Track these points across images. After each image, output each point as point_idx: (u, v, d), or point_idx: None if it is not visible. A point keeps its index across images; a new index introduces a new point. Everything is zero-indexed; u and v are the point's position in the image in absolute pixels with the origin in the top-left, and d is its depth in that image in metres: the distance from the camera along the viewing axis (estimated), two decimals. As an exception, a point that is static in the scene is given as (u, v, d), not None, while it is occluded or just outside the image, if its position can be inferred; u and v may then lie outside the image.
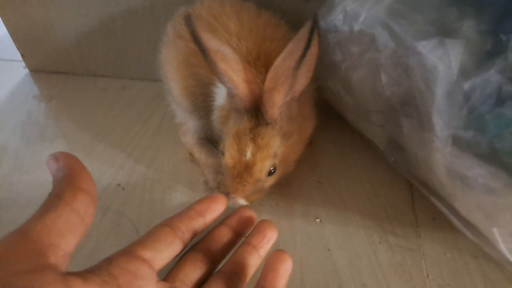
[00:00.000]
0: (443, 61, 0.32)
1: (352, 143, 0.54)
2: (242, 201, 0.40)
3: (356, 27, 0.40)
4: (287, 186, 0.49)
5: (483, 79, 0.30)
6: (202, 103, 0.46)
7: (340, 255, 0.42)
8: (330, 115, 0.53)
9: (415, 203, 0.47)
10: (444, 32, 0.34)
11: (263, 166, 0.38)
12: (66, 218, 0.24)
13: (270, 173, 0.39)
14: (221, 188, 0.47)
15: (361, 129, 0.48)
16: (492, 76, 0.30)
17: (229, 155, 0.38)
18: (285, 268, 0.32)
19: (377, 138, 0.45)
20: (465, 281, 0.40)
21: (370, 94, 0.41)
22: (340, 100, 0.47)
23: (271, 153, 0.38)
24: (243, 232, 0.38)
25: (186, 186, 0.48)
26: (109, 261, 0.27)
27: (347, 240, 0.43)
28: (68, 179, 0.25)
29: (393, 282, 0.40)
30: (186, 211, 0.35)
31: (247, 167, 0.38)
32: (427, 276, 0.41)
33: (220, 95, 0.44)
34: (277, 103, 0.36)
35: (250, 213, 0.39)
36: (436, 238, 0.44)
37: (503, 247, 0.33)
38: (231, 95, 0.38)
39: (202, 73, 0.44)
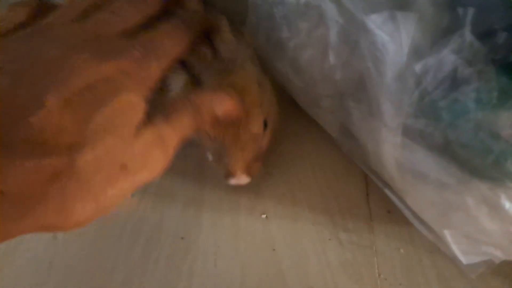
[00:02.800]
0: (393, 38, 0.27)
1: (305, 129, 0.50)
2: (244, 178, 0.36)
3: (302, 0, 0.35)
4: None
5: (436, 60, 0.26)
6: None
7: (287, 255, 0.38)
8: (281, 99, 0.48)
9: (370, 195, 0.43)
10: (398, 4, 0.29)
11: (256, 112, 0.34)
12: None
13: (265, 125, 0.36)
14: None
15: (313, 115, 0.44)
16: (447, 56, 0.25)
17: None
18: None
19: (329, 125, 0.41)
20: (419, 279, 0.37)
21: (319, 76, 0.37)
22: (289, 82, 0.42)
23: (256, 97, 0.35)
24: None
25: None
26: None
27: (295, 238, 0.40)
28: None
29: (341, 283, 0.37)
30: None
31: (239, 123, 0.33)
32: (379, 275, 0.37)
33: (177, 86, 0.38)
34: None
35: None
36: (390, 233, 0.40)
37: (455, 249, 0.30)
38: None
39: None
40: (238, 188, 0.43)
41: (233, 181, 0.37)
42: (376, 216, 0.42)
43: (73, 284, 0.36)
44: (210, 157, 0.40)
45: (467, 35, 0.25)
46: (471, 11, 0.26)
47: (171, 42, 0.27)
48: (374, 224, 0.41)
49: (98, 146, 0.21)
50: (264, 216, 0.41)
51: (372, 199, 0.43)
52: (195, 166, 0.45)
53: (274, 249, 0.39)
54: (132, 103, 0.23)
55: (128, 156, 0.22)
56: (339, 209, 0.42)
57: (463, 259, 0.30)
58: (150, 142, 0.24)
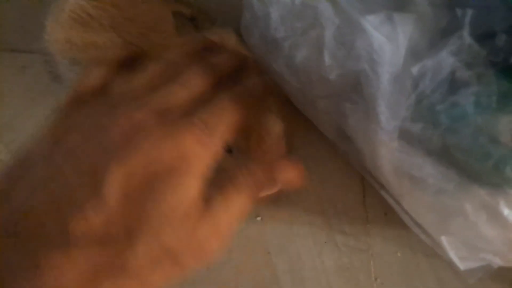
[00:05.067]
0: (390, 40, 0.27)
1: (301, 129, 0.49)
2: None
3: (298, -2, 0.34)
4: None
5: (434, 62, 0.25)
6: None
7: (281, 258, 0.38)
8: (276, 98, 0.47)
9: (366, 197, 0.43)
10: (395, 4, 0.28)
11: (274, 113, 0.36)
12: None
13: None
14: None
15: (309, 116, 0.43)
16: (445, 58, 0.25)
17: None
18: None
19: (325, 126, 0.41)
20: (416, 284, 0.37)
21: (315, 76, 0.36)
22: (284, 83, 0.41)
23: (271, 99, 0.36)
24: None
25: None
26: None
27: (290, 241, 0.39)
28: None
29: (337, 288, 0.36)
30: None
31: (261, 127, 0.35)
32: (375, 279, 0.37)
33: None
34: None
35: None
36: (388, 236, 0.40)
37: (452, 255, 0.29)
38: None
39: None
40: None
41: (268, 192, 0.35)
42: (373, 218, 0.41)
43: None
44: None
45: (466, 37, 0.24)
46: (469, 12, 0.25)
47: (233, 114, 0.26)
48: (371, 226, 0.40)
49: (152, 243, 0.20)
50: (259, 218, 0.40)
51: (369, 201, 0.42)
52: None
53: (269, 252, 0.38)
54: (190, 189, 0.22)
55: (181, 248, 0.22)
56: (335, 212, 0.41)
57: (461, 265, 0.29)
58: (206, 234, 0.23)
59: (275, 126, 0.35)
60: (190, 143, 0.22)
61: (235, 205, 0.24)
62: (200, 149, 0.22)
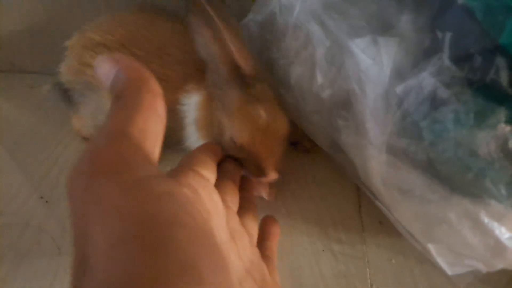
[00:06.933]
0: (376, 61, 0.29)
1: (299, 141, 0.51)
2: (274, 174, 0.37)
3: (291, 21, 0.37)
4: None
5: (416, 82, 0.27)
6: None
7: (281, 266, 0.39)
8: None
9: (362, 207, 0.45)
10: (380, 28, 0.31)
11: (282, 117, 0.36)
12: (154, 122, 0.21)
13: None
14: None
15: (304, 128, 0.45)
16: (426, 79, 0.27)
17: (244, 129, 0.35)
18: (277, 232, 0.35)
19: (320, 139, 0.43)
20: (410, 289, 0.38)
21: (308, 94, 0.38)
22: (281, 98, 0.43)
23: (277, 104, 0.37)
24: None
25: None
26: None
27: (289, 250, 0.41)
28: (139, 80, 0.22)
29: (334, 294, 0.38)
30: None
31: (267, 129, 0.36)
32: (371, 285, 0.38)
33: (191, 106, 0.41)
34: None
35: None
36: (382, 244, 0.42)
37: (440, 261, 0.31)
38: (217, 72, 0.37)
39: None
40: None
41: (265, 180, 0.38)
42: (368, 227, 0.43)
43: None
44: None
45: (445, 59, 0.26)
46: (448, 35, 0.27)
47: None
48: (366, 235, 0.42)
49: None
50: (259, 229, 0.42)
51: (364, 211, 0.44)
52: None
53: (269, 262, 0.40)
54: None
55: None
56: (332, 221, 0.43)
57: (448, 271, 0.31)
58: None
59: (281, 126, 0.37)
60: None
61: None
62: None
